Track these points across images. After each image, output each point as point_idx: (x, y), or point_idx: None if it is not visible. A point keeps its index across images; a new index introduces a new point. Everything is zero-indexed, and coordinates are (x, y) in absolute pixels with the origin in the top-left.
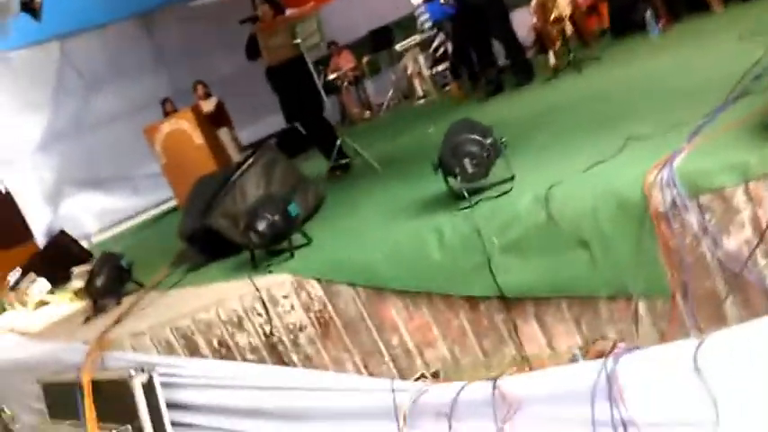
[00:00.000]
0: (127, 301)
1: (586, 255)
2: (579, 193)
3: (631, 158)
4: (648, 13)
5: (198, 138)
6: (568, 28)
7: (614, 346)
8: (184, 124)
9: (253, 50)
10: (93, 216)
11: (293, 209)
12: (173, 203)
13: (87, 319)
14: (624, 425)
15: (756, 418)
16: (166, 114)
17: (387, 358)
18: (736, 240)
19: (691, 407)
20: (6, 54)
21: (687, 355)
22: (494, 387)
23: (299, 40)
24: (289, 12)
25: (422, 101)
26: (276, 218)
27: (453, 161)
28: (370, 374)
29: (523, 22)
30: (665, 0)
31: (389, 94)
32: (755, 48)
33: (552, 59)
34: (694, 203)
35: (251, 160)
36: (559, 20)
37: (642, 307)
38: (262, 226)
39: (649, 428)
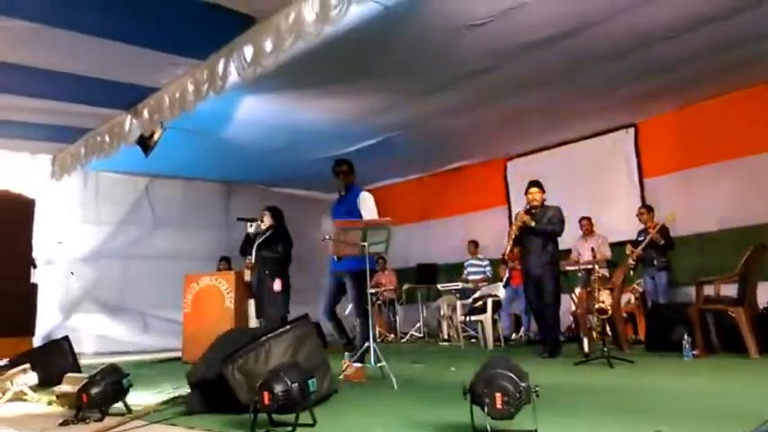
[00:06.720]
0: (109, 420)
1: None
2: None
3: None
4: (686, 338)
5: (229, 300)
6: (607, 325)
7: None
8: (223, 283)
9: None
10: (94, 337)
11: (312, 384)
12: (176, 354)
13: (65, 423)
14: None
15: None
16: (218, 270)
17: None
18: None
19: None
20: (100, 173)
21: None
22: None
23: (365, 244)
24: (368, 217)
25: (446, 343)
26: (294, 386)
27: (485, 391)
28: None
29: (564, 308)
30: (703, 333)
31: (417, 325)
32: None
33: (586, 346)
34: None
35: (287, 327)
36: (602, 311)
37: None
38: (278, 389)
39: None
